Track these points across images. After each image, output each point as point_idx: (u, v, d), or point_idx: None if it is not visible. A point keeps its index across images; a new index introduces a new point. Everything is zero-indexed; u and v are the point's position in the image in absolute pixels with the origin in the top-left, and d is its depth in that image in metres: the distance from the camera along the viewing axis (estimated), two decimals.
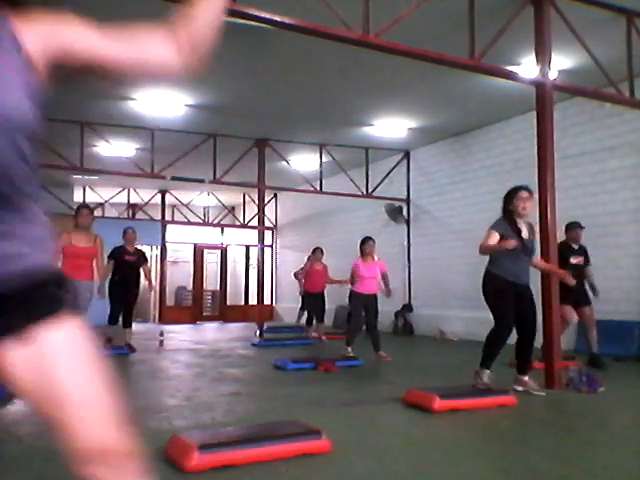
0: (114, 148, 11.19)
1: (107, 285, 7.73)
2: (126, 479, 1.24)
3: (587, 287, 6.84)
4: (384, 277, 7.56)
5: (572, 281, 5.60)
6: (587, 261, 6.86)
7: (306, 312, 10.84)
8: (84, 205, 7.36)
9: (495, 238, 4.96)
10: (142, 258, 8.32)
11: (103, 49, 1.23)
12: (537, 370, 5.61)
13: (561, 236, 5.96)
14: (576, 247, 6.81)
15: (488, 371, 5.02)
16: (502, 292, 4.97)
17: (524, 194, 5.08)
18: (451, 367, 7.03)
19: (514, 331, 5.06)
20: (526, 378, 5.06)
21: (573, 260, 6.67)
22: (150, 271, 8.87)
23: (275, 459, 3.04)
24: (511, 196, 5.11)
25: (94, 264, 6.56)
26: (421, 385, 5.02)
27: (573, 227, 6.84)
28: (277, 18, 4.77)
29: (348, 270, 7.83)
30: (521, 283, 5.02)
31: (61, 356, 1.19)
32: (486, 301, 5.11)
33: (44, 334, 1.17)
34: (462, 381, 5.34)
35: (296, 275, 11.02)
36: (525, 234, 5.08)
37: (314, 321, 10.49)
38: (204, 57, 1.30)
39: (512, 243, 4.77)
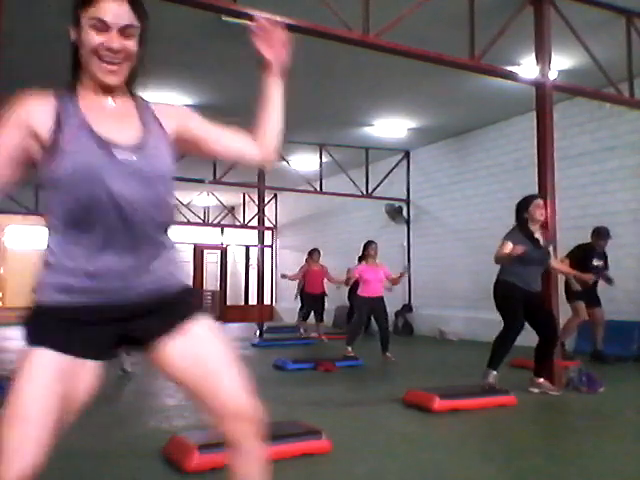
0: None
1: None
2: (252, 439, 1.68)
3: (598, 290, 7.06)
4: (389, 278, 7.55)
5: (589, 277, 6.04)
6: (606, 266, 7.05)
7: (305, 309, 10.84)
8: None
9: (509, 248, 4.95)
10: None
11: (215, 142, 1.71)
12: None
13: (561, 237, 5.97)
14: (600, 251, 6.98)
15: (495, 372, 5.01)
16: (511, 297, 5.02)
17: (540, 202, 5.13)
18: (451, 367, 7.03)
19: (527, 331, 5.10)
20: (541, 380, 5.10)
21: (595, 262, 6.87)
22: None
23: (275, 459, 3.04)
24: (527, 204, 5.12)
25: None
26: (421, 385, 5.02)
27: (604, 235, 6.96)
28: (277, 18, 4.76)
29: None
30: (533, 291, 5.05)
31: (205, 340, 1.60)
32: (497, 308, 5.15)
33: (190, 327, 1.57)
34: (462, 381, 5.34)
35: (284, 275, 11.02)
36: (541, 242, 5.13)
37: (313, 320, 10.49)
38: (277, 148, 1.82)
39: (518, 249, 4.78)
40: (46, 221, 1.51)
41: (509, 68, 6.41)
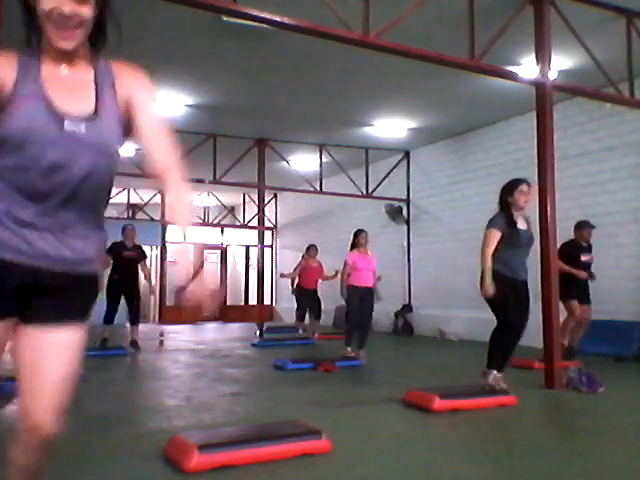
0: None
1: (105, 284, 7.73)
2: (35, 454, 1.70)
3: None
4: (374, 276, 7.45)
5: (584, 274, 5.82)
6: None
7: (300, 310, 10.84)
8: None
9: (496, 237, 4.86)
10: (141, 254, 8.31)
11: (147, 136, 1.63)
12: (537, 370, 5.62)
13: (561, 237, 5.97)
14: (585, 245, 6.93)
15: (494, 372, 4.89)
16: (503, 291, 4.81)
17: (525, 187, 4.97)
18: (451, 367, 7.03)
19: (528, 332, 4.97)
20: (495, 373, 4.87)
21: (583, 258, 6.83)
22: (150, 273, 8.86)
23: (275, 459, 3.04)
24: (511, 188, 4.98)
25: None
26: (421, 385, 5.02)
27: (584, 226, 6.95)
28: (277, 18, 4.77)
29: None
30: (520, 279, 4.92)
31: (56, 346, 1.58)
32: (487, 301, 4.96)
33: (58, 329, 1.57)
34: (462, 381, 5.34)
35: (283, 275, 11.04)
36: (522, 226, 4.99)
37: (309, 319, 10.48)
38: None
39: (490, 291, 4.74)
40: None
41: (509, 68, 6.42)
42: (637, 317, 7.49)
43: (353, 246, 7.44)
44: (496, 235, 4.89)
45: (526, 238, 4.99)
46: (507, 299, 4.84)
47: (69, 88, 1.52)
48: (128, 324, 8.42)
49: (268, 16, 4.74)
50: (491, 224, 4.97)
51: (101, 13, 1.54)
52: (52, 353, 1.58)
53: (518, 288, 4.91)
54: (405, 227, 12.18)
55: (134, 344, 8.24)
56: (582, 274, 6.59)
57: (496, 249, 4.88)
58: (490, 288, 4.78)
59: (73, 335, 1.60)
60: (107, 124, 1.53)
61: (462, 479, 2.92)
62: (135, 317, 8.27)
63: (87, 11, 1.48)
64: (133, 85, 1.61)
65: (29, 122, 1.44)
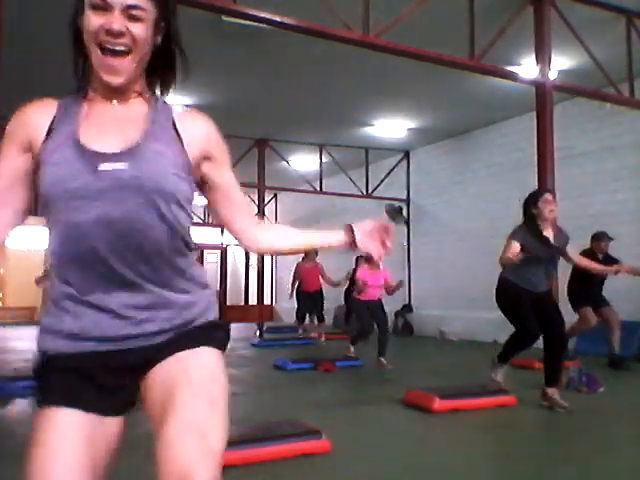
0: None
1: None
2: None
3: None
4: (387, 286, 7.45)
5: (613, 269, 5.63)
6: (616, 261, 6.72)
7: (300, 311, 10.84)
8: None
9: (516, 248, 4.52)
10: None
11: (224, 206, 1.44)
12: (537, 370, 5.61)
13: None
14: (600, 257, 6.64)
15: (505, 366, 4.79)
16: (518, 300, 4.59)
17: (549, 196, 4.68)
18: (451, 367, 7.03)
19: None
20: (551, 391, 4.53)
21: None
22: None
23: (275, 459, 3.04)
24: (535, 199, 4.66)
25: None
26: (421, 385, 5.02)
27: (601, 238, 6.75)
28: (277, 18, 4.77)
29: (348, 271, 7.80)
30: (538, 291, 4.65)
31: (190, 371, 1.29)
32: (502, 311, 4.77)
33: (185, 355, 1.29)
34: (462, 381, 5.34)
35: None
36: (552, 239, 4.65)
37: (311, 320, 10.48)
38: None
39: (518, 254, 4.39)
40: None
41: (509, 68, 6.42)
42: (637, 317, 7.49)
43: (367, 260, 7.40)
44: (515, 246, 4.52)
45: (552, 255, 4.66)
46: (522, 309, 4.60)
47: (114, 126, 1.26)
48: None
49: (268, 16, 4.74)
50: (512, 235, 4.65)
51: (164, 39, 1.29)
52: (193, 370, 1.29)
53: (538, 300, 4.61)
54: (405, 227, 12.18)
55: None
56: (611, 269, 5.81)
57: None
58: (514, 257, 4.40)
59: (214, 356, 1.36)
60: (154, 158, 1.23)
61: (462, 479, 2.92)
62: None
63: (141, 30, 1.21)
64: (210, 136, 1.34)
65: (60, 169, 1.19)
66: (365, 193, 12.20)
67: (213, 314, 1.40)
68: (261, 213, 12.62)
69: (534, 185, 5.73)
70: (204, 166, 1.34)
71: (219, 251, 17.67)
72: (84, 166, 1.19)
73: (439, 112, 9.60)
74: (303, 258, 10.50)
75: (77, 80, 1.30)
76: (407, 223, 12.15)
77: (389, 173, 12.20)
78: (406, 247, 12.15)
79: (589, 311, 6.63)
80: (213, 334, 1.37)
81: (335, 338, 10.11)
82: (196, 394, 1.24)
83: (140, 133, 1.24)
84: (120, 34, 1.19)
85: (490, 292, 5.23)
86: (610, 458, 3.25)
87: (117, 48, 1.20)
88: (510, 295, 4.66)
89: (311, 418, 3.73)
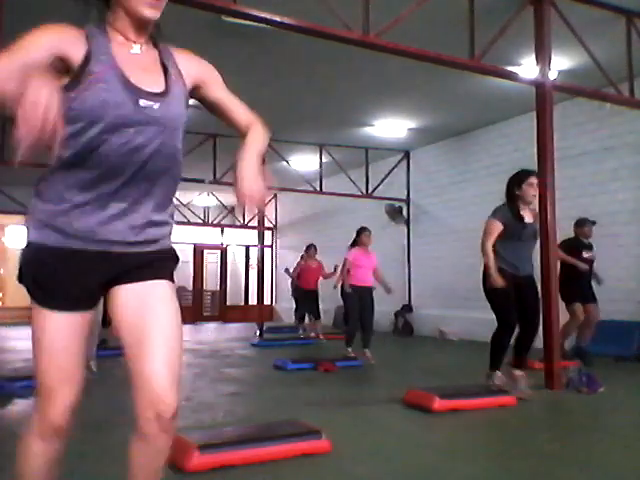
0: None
1: None
2: (160, 430, 1.57)
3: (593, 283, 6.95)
4: (377, 272, 7.40)
5: (585, 266, 5.87)
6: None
7: (299, 311, 10.85)
8: None
9: (498, 228, 4.70)
10: None
11: (227, 105, 1.80)
12: (537, 370, 5.61)
13: (561, 237, 5.97)
14: (586, 242, 6.88)
15: (499, 373, 4.87)
16: (503, 288, 4.67)
17: (534, 180, 4.80)
18: (451, 367, 7.03)
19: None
20: (518, 372, 4.81)
21: (585, 254, 6.77)
22: None
23: (275, 459, 3.04)
24: (520, 180, 4.80)
25: None
26: (421, 385, 5.02)
27: (584, 223, 6.91)
28: (277, 18, 4.77)
29: None
30: (523, 274, 4.77)
31: (156, 303, 1.57)
32: (487, 298, 4.88)
33: (151, 285, 1.58)
34: (462, 381, 5.34)
35: (288, 271, 11.02)
36: (529, 219, 4.87)
37: (309, 319, 10.49)
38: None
39: (498, 281, 4.57)
40: (55, 158, 1.43)
41: (509, 68, 6.42)
42: (637, 317, 7.49)
43: (354, 243, 7.39)
44: (497, 226, 4.73)
45: (531, 232, 4.86)
46: (506, 295, 4.70)
47: (140, 66, 1.52)
48: None
49: (268, 16, 4.74)
50: (493, 215, 4.82)
51: None
52: (158, 303, 1.57)
53: (521, 284, 4.75)
54: (405, 227, 12.18)
55: None
56: (583, 266, 6.47)
57: (498, 243, 4.74)
58: (498, 279, 4.59)
59: (170, 289, 1.61)
60: (176, 101, 1.55)
61: (462, 479, 2.92)
62: None
63: None
64: (200, 67, 1.69)
65: (105, 97, 1.41)
66: (365, 193, 12.20)
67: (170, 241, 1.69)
68: (261, 213, 12.63)
69: None
70: (201, 90, 1.69)
71: (219, 251, 17.67)
72: (128, 97, 1.44)
73: (439, 112, 9.60)
74: (302, 256, 10.51)
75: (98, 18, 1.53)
76: (407, 223, 12.15)
77: (389, 173, 12.20)
78: (406, 247, 12.16)
79: (579, 307, 6.70)
80: (170, 265, 1.66)
81: (335, 338, 10.11)
82: (166, 337, 1.54)
83: (163, 78, 1.55)
84: None
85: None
86: (610, 458, 3.25)
87: None
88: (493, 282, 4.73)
89: (311, 418, 3.73)
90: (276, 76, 7.94)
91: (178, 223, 16.65)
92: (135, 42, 1.55)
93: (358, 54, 5.97)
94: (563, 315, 6.10)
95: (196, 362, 7.50)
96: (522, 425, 4.11)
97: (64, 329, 1.52)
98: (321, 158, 11.92)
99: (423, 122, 10.15)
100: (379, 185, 12.16)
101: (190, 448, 2.92)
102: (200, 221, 17.31)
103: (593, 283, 6.93)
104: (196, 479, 2.80)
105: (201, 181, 11.52)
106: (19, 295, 14.13)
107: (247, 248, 17.68)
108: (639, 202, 7.81)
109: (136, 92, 1.46)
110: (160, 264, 1.61)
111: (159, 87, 1.52)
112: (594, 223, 6.95)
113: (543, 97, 5.72)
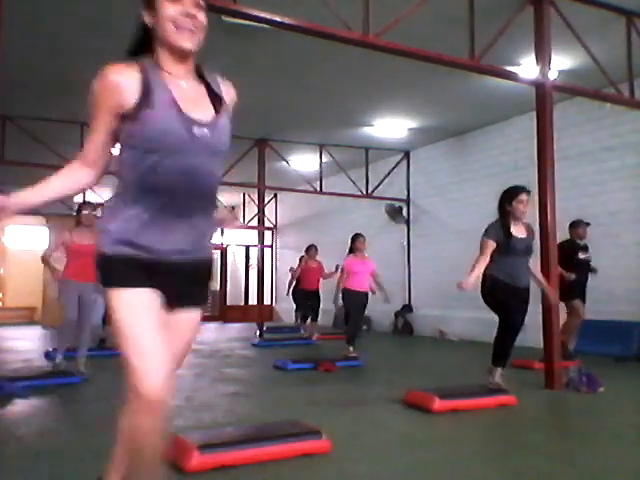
0: (114, 148, 11.15)
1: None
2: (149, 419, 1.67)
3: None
4: (375, 277, 7.46)
5: (572, 276, 5.95)
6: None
7: (301, 310, 10.84)
8: (85, 202, 6.64)
9: (491, 247, 4.83)
10: None
11: None
12: (537, 370, 5.61)
13: (561, 237, 5.98)
14: (581, 243, 6.90)
15: (500, 369, 4.93)
16: (503, 295, 4.84)
17: (524, 197, 4.91)
18: (451, 367, 7.03)
19: (529, 331, 5.04)
20: (500, 370, 4.93)
21: (581, 255, 6.79)
22: None
23: (275, 459, 3.04)
24: (510, 197, 4.93)
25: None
26: (421, 385, 5.02)
27: (578, 224, 6.94)
28: (277, 18, 4.76)
29: None
30: (520, 286, 4.90)
31: (189, 329, 1.85)
32: (487, 305, 5.00)
33: (191, 313, 1.85)
34: (462, 381, 5.34)
35: (292, 269, 11.01)
36: (520, 234, 4.94)
37: (309, 319, 10.49)
38: None
39: (468, 285, 4.62)
40: (118, 178, 1.72)
41: (509, 68, 6.42)
42: (637, 317, 7.49)
43: (350, 250, 7.46)
44: (490, 244, 4.86)
45: (522, 247, 4.91)
46: (506, 303, 4.86)
47: (190, 97, 1.71)
48: None
49: (268, 16, 4.74)
50: (486, 234, 4.94)
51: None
52: (188, 331, 1.85)
53: (517, 294, 4.88)
54: (405, 227, 12.18)
55: None
56: (571, 276, 6.48)
57: (494, 257, 4.85)
58: (469, 283, 4.64)
59: (199, 318, 1.88)
60: (223, 129, 1.74)
61: (462, 479, 2.92)
62: None
63: (204, 17, 1.72)
64: (233, 99, 1.87)
65: (164, 127, 1.62)
66: (365, 193, 12.20)
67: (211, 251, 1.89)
68: (261, 213, 12.62)
69: (534, 185, 5.72)
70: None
71: (219, 251, 17.67)
72: (183, 126, 1.64)
73: (439, 112, 9.60)
74: (302, 257, 10.50)
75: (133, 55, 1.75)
76: (407, 223, 12.15)
77: (389, 173, 12.20)
78: (406, 247, 12.15)
79: (578, 304, 6.76)
80: (208, 282, 1.89)
81: (331, 338, 10.11)
82: (184, 348, 1.86)
83: (212, 107, 1.73)
84: (194, 17, 1.68)
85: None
86: (610, 458, 3.25)
87: (192, 27, 1.68)
88: (495, 290, 4.88)
89: (311, 418, 3.73)
90: (276, 76, 7.94)
91: None
92: (181, 75, 1.74)
93: (358, 54, 5.97)
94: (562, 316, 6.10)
95: (196, 362, 7.50)
96: (522, 425, 4.11)
97: (144, 300, 1.67)
98: (321, 158, 11.92)
99: (423, 122, 10.15)
100: (379, 185, 12.16)
101: (190, 448, 2.92)
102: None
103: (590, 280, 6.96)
104: (196, 479, 2.80)
105: None
106: (19, 295, 14.11)
107: (247, 248, 17.68)
108: (639, 202, 7.81)
109: (189, 121, 1.65)
110: (204, 286, 1.86)
111: (209, 116, 1.71)
112: (588, 224, 6.98)
113: (543, 97, 5.72)
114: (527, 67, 6.98)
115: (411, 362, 7.90)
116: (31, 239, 16.76)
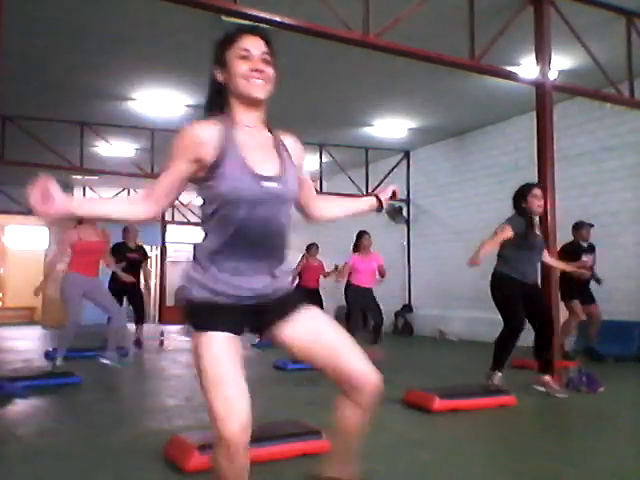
0: (114, 148, 11.18)
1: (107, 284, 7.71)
2: (369, 406, 2.02)
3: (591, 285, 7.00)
4: (380, 268, 7.47)
5: (585, 271, 5.87)
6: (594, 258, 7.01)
7: None
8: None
9: (506, 234, 4.79)
10: (144, 255, 8.36)
11: (305, 197, 2.10)
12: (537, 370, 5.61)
13: (561, 236, 5.98)
14: (585, 245, 6.89)
15: (500, 374, 4.93)
16: (511, 293, 4.85)
17: (538, 192, 4.93)
18: (451, 367, 7.03)
19: (528, 331, 4.96)
20: (547, 378, 4.95)
21: (585, 258, 6.77)
22: (150, 274, 8.85)
23: (275, 459, 3.04)
24: (525, 194, 4.92)
25: (101, 260, 6.23)
26: (421, 385, 5.02)
27: (582, 226, 6.94)
28: (277, 18, 4.76)
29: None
30: (530, 282, 4.92)
31: (318, 321, 1.95)
32: (494, 302, 4.99)
33: (303, 314, 1.93)
34: (462, 381, 5.34)
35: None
36: (538, 231, 5.00)
37: None
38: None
39: (475, 261, 4.62)
40: (202, 229, 1.89)
41: (509, 68, 6.41)
42: (637, 317, 7.49)
43: (356, 247, 7.46)
44: (506, 231, 4.81)
45: (539, 243, 4.98)
46: (510, 299, 4.86)
47: (259, 149, 1.86)
48: (133, 324, 8.43)
49: (268, 16, 4.74)
50: (507, 221, 4.90)
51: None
52: (319, 321, 1.94)
53: (528, 291, 4.89)
54: (405, 227, 12.18)
55: (138, 343, 8.27)
56: (582, 271, 6.29)
57: (507, 251, 4.85)
58: (476, 260, 4.62)
59: (312, 309, 1.97)
60: (291, 180, 1.87)
61: (462, 479, 2.92)
62: (140, 317, 8.33)
63: (272, 70, 1.90)
64: (301, 152, 2.03)
65: (234, 185, 1.76)
66: (365, 193, 12.19)
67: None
68: None
69: None
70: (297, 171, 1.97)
71: None
72: (253, 182, 1.78)
73: (439, 112, 9.60)
74: (304, 255, 10.50)
75: (214, 111, 1.90)
76: (407, 223, 12.15)
77: (389, 173, 12.20)
78: (406, 247, 12.15)
79: (577, 305, 6.78)
80: (299, 298, 2.00)
81: None
82: (344, 340, 1.94)
83: (279, 161, 1.87)
84: (262, 71, 1.85)
85: (490, 292, 5.24)
86: (610, 458, 3.25)
87: (260, 80, 1.85)
88: (502, 285, 4.91)
89: (311, 418, 3.73)
90: (276, 76, 7.93)
91: (178, 223, 16.72)
92: (252, 126, 1.89)
93: (358, 54, 5.97)
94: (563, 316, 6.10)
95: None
96: (522, 425, 4.12)
97: (229, 347, 1.79)
98: (321, 158, 11.92)
99: (423, 122, 10.15)
100: (379, 185, 12.14)
101: (190, 448, 2.92)
102: (200, 221, 17.30)
103: (593, 284, 6.95)
104: (196, 479, 2.80)
105: None
106: (19, 295, 14.09)
107: None
108: (639, 202, 7.81)
109: (259, 177, 1.79)
110: (295, 301, 1.96)
111: (276, 169, 1.85)
112: (592, 226, 6.97)
113: (543, 97, 5.72)
114: (527, 67, 6.97)
115: (411, 362, 7.89)
116: (31, 239, 16.76)
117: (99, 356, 5.96)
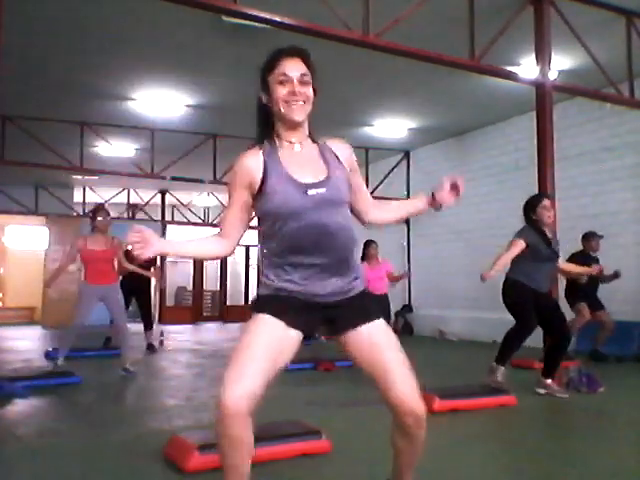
0: (114, 148, 11.18)
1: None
2: (416, 429, 1.98)
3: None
4: (389, 276, 7.51)
5: (599, 269, 5.80)
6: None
7: None
8: (100, 208, 6.34)
9: (520, 247, 4.79)
10: (154, 258, 8.39)
11: (357, 198, 2.13)
12: (537, 370, 5.60)
13: (561, 236, 5.97)
14: (594, 256, 6.83)
15: (503, 368, 4.97)
16: (522, 300, 4.89)
17: (547, 203, 4.91)
18: (451, 367, 7.03)
19: (536, 336, 5.00)
20: (549, 381, 4.98)
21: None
22: (159, 273, 8.93)
23: (275, 459, 3.04)
24: (534, 205, 4.91)
25: (115, 266, 6.23)
26: (421, 385, 5.01)
27: (592, 237, 6.89)
28: (277, 18, 4.77)
29: None
30: (542, 291, 4.94)
31: (379, 336, 2.04)
32: (506, 307, 5.02)
33: (370, 326, 2.03)
34: (462, 381, 5.33)
35: None
36: (551, 240, 4.98)
37: None
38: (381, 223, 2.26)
39: (489, 276, 4.65)
40: (261, 242, 2.01)
41: (509, 68, 6.42)
42: (637, 317, 7.49)
43: (364, 257, 7.46)
44: (520, 245, 4.81)
45: (551, 254, 4.95)
46: (521, 305, 4.90)
47: (303, 161, 1.97)
48: (142, 329, 8.46)
49: (268, 16, 4.74)
50: (519, 234, 4.90)
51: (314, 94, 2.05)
52: (380, 337, 2.02)
53: (540, 300, 4.91)
54: (405, 227, 12.18)
55: (150, 347, 8.35)
56: (596, 269, 6.04)
57: (520, 260, 4.85)
58: (491, 275, 4.66)
59: (380, 323, 2.04)
60: (339, 182, 1.96)
61: (462, 479, 2.92)
62: (148, 322, 8.42)
63: (309, 91, 2.00)
64: (350, 155, 2.10)
65: (282, 200, 1.88)
66: None
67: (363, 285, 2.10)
68: None
69: (534, 185, 5.73)
70: (350, 175, 2.06)
71: None
72: (298, 192, 1.89)
73: (439, 112, 9.60)
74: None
75: (263, 134, 2.02)
76: (407, 223, 12.15)
77: (389, 173, 12.20)
78: (406, 247, 12.15)
79: (584, 307, 6.79)
80: (371, 307, 2.08)
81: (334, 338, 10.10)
82: (399, 362, 2.07)
83: (325, 167, 1.97)
84: (300, 94, 1.96)
85: (490, 292, 5.26)
86: (610, 458, 3.25)
87: (299, 102, 1.96)
88: (515, 292, 4.93)
89: (311, 418, 3.73)
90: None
91: (178, 223, 16.73)
92: (296, 142, 2.00)
93: (358, 54, 5.97)
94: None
95: (196, 362, 7.50)
96: (522, 425, 4.11)
97: (271, 331, 1.90)
98: None
99: (423, 122, 10.15)
100: (379, 185, 12.15)
101: (190, 448, 2.92)
102: (200, 221, 17.31)
103: (600, 288, 6.94)
104: (196, 479, 2.80)
105: (201, 181, 11.53)
106: (19, 295, 14.11)
107: (247, 248, 17.68)
108: (639, 202, 7.81)
109: (303, 186, 1.90)
110: (362, 308, 2.04)
111: (322, 175, 1.95)
112: (601, 237, 6.92)
113: (543, 97, 5.72)
114: (527, 67, 6.97)
115: (411, 362, 7.88)
116: (31, 239, 16.75)
117: (123, 371, 6.01)
